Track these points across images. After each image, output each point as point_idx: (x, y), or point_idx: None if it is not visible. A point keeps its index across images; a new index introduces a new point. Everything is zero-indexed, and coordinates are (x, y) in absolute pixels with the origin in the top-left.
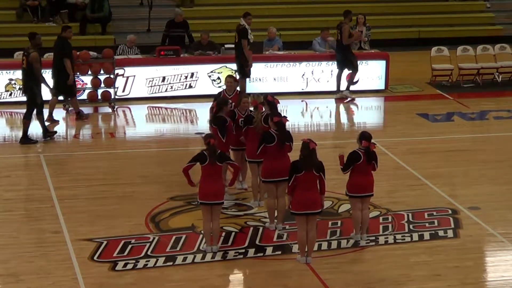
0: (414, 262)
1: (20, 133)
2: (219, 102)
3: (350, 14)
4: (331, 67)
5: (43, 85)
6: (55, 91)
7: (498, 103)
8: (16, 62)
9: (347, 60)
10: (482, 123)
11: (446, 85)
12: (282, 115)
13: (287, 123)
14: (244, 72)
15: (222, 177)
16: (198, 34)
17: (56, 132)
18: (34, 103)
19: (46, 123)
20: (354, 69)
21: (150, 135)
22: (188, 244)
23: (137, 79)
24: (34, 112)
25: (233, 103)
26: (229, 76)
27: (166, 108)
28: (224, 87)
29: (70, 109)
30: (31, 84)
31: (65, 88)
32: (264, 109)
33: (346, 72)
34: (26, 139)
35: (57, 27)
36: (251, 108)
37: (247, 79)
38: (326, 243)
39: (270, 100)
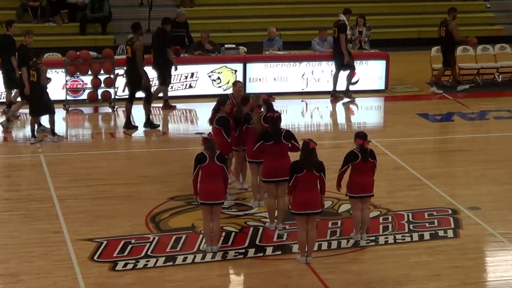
0: (414, 262)
1: (20, 133)
2: (218, 102)
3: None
4: (331, 67)
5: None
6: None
7: (498, 103)
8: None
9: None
10: (482, 123)
11: (446, 85)
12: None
13: (288, 125)
14: (343, 65)
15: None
16: (198, 34)
17: (158, 125)
18: (138, 87)
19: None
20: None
21: (150, 135)
22: (188, 244)
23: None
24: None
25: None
26: (239, 81)
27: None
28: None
29: (70, 109)
30: (134, 71)
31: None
32: (262, 110)
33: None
34: (149, 124)
35: (57, 27)
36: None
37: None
38: (326, 243)
39: (265, 99)
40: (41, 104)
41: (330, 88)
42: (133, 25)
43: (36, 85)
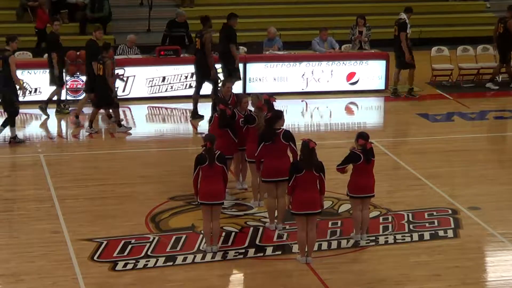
0: (414, 262)
1: (19, 133)
2: (221, 102)
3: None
4: (331, 67)
5: None
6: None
7: (498, 103)
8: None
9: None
10: (482, 123)
11: (446, 85)
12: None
13: (288, 125)
14: (404, 63)
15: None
16: None
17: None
18: (207, 79)
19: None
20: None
21: (150, 135)
22: (188, 244)
23: (137, 79)
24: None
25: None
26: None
27: (166, 108)
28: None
29: (70, 109)
30: (203, 63)
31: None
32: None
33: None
34: (196, 115)
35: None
36: (250, 108)
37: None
38: (326, 243)
39: (266, 99)
40: (104, 97)
41: (330, 88)
42: (202, 18)
43: (101, 78)
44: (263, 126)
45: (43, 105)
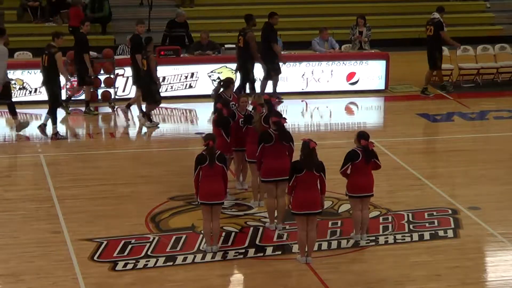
0: (414, 262)
1: (19, 133)
2: (223, 102)
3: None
4: (331, 67)
5: None
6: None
7: (498, 103)
8: (15, 62)
9: None
10: (482, 123)
11: (447, 85)
12: (282, 116)
13: (288, 125)
14: (436, 64)
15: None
16: (198, 34)
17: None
18: (247, 78)
19: None
20: None
21: (150, 135)
22: (188, 244)
23: None
24: None
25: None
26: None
27: (166, 108)
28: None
29: (70, 109)
30: (246, 60)
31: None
32: (264, 110)
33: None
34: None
35: (57, 27)
36: (250, 108)
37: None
38: (326, 243)
39: (266, 99)
40: (149, 92)
41: (330, 88)
42: (245, 16)
43: (146, 74)
44: (258, 126)
45: (87, 109)
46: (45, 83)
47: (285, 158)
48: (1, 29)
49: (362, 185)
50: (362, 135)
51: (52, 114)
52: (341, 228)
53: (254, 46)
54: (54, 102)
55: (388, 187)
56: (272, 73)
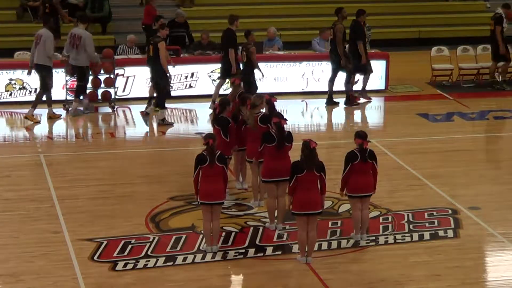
0: (414, 262)
1: (19, 133)
2: (222, 102)
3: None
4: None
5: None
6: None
7: (498, 103)
8: (15, 62)
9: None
10: (482, 123)
11: (446, 85)
12: (282, 117)
13: (288, 125)
14: (498, 56)
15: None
16: (198, 34)
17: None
18: (340, 67)
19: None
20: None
21: (150, 135)
22: (188, 244)
23: (137, 79)
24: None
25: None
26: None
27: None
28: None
29: (70, 109)
30: (334, 52)
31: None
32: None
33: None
34: (331, 101)
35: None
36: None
37: None
38: (326, 243)
39: (267, 99)
40: (248, 83)
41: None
42: (336, 9)
43: (245, 64)
44: (250, 122)
45: (147, 110)
46: (151, 72)
47: (285, 159)
48: (83, 16)
49: (361, 185)
50: (359, 135)
51: (160, 99)
52: (341, 228)
53: (340, 37)
54: (158, 90)
55: (388, 187)
56: (360, 73)
